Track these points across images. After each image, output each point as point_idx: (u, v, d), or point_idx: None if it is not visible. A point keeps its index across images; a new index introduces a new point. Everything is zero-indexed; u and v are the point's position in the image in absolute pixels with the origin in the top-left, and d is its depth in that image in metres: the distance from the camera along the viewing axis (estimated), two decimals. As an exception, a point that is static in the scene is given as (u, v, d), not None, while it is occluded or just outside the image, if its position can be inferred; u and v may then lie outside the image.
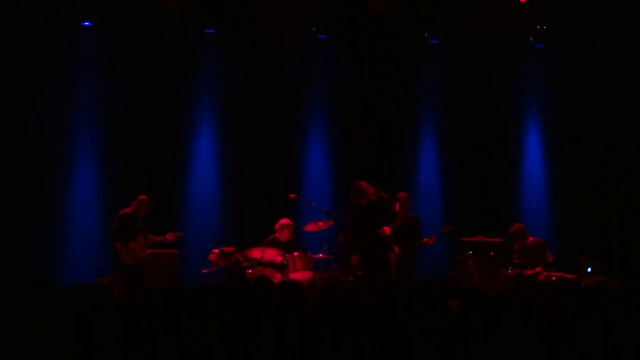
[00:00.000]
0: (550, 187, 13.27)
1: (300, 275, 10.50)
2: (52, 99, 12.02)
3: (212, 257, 10.80)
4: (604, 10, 12.22)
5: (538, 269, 10.62)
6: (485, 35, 12.66)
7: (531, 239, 11.02)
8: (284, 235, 11.15)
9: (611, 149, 12.62)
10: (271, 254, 10.87)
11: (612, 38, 12.38)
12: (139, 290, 9.53)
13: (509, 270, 10.70)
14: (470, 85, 13.03)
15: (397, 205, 10.59)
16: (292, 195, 11.45)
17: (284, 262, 10.72)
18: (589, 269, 10.92)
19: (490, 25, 12.56)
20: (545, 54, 13.23)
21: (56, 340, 4.88)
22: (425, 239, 10.81)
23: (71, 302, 5.23)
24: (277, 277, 10.44)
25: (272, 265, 10.79)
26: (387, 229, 10.06)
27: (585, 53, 12.69)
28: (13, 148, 11.73)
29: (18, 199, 11.61)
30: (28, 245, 11.45)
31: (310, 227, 11.11)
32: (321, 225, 11.02)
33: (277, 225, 11.22)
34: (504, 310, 5.35)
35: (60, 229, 11.99)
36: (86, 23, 12.19)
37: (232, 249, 10.93)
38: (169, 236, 10.89)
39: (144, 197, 10.84)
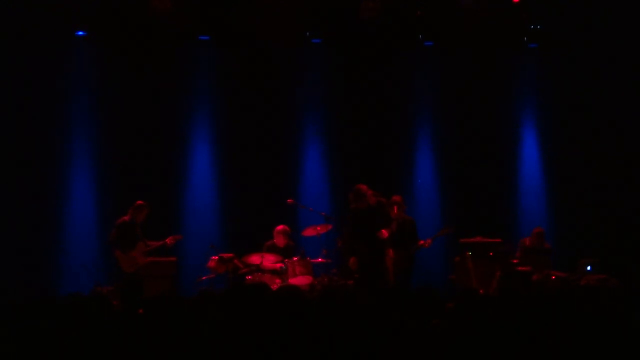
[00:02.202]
0: (548, 186, 13.27)
1: (300, 280, 10.49)
2: (48, 109, 12.02)
3: (211, 264, 10.78)
4: (598, 9, 12.24)
5: (530, 268, 10.71)
6: (479, 36, 12.67)
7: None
8: (280, 241, 11.15)
9: (607, 147, 12.62)
10: (270, 260, 10.87)
11: (606, 36, 12.37)
12: (139, 299, 9.55)
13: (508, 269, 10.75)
14: (465, 86, 13.04)
15: (395, 208, 10.58)
16: (289, 200, 11.46)
17: (283, 267, 10.71)
18: (589, 268, 10.94)
19: (484, 25, 12.58)
20: (539, 53, 13.24)
21: (55, 350, 4.88)
22: (422, 242, 10.80)
23: (70, 311, 5.23)
24: (277, 283, 10.43)
25: (271, 271, 10.79)
26: (384, 232, 10.07)
27: (580, 52, 12.69)
28: (9, 157, 11.71)
29: (15, 208, 11.59)
30: (26, 255, 11.43)
31: (308, 232, 11.11)
32: (319, 229, 11.02)
33: (273, 231, 11.24)
34: (503, 311, 5.35)
35: (58, 238, 11.97)
36: (80, 32, 12.22)
37: (231, 255, 10.92)
38: (169, 240, 10.85)
39: (140, 202, 10.83)
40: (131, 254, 10.54)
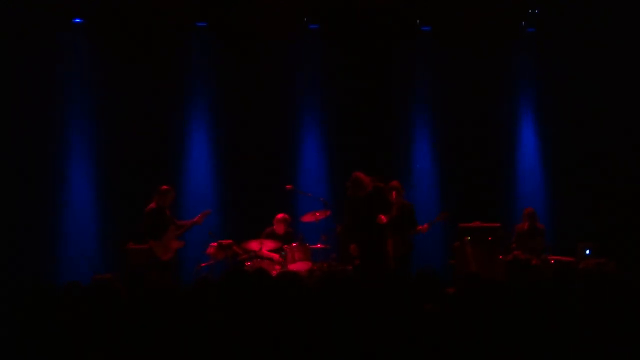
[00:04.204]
0: (546, 170, 13.27)
1: (299, 266, 10.50)
2: (45, 97, 11.97)
3: (210, 250, 10.78)
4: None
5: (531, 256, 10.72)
6: (477, 21, 12.64)
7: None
8: (279, 229, 11.15)
9: (606, 132, 12.59)
10: (269, 246, 10.87)
11: (604, 21, 12.33)
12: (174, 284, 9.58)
13: (507, 256, 10.77)
14: (463, 71, 13.00)
15: (394, 194, 10.57)
16: (288, 187, 11.45)
17: (283, 254, 10.71)
18: (587, 251, 10.96)
19: (482, 9, 12.55)
20: (537, 38, 13.20)
21: (56, 338, 4.88)
22: (420, 227, 10.81)
23: (68, 299, 5.23)
24: (276, 269, 10.44)
25: (270, 258, 10.78)
26: (383, 218, 10.04)
27: (578, 36, 12.65)
28: (7, 147, 11.67)
29: (13, 198, 11.56)
30: (25, 245, 11.40)
31: (307, 218, 11.12)
32: (318, 215, 11.02)
33: (274, 219, 11.24)
34: (502, 296, 5.36)
35: (56, 227, 11.96)
36: (77, 20, 12.18)
37: (230, 241, 10.91)
38: (199, 218, 10.84)
39: (165, 187, 10.82)
40: (164, 240, 10.55)
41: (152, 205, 10.69)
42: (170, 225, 10.67)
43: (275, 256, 10.81)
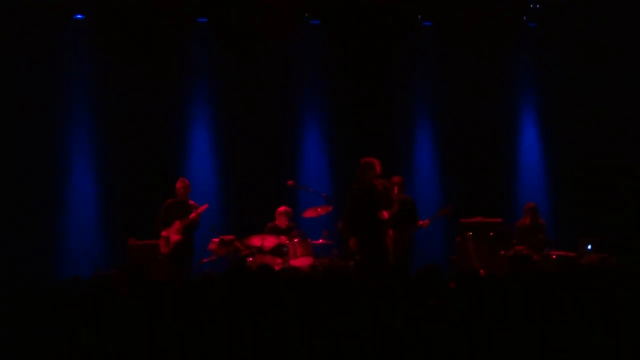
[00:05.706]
0: (547, 166, 13.27)
1: (301, 261, 10.49)
2: (46, 95, 11.99)
3: (212, 246, 10.79)
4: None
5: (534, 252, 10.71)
6: (478, 15, 12.64)
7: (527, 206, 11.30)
8: (281, 222, 11.15)
9: (606, 128, 12.58)
10: (271, 242, 10.87)
11: (605, 19, 12.31)
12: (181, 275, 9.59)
13: (508, 251, 10.77)
14: (464, 66, 12.99)
15: (396, 189, 10.56)
16: (290, 182, 11.45)
17: (284, 249, 10.71)
18: (589, 247, 10.95)
19: (482, 8, 12.56)
20: (538, 33, 13.20)
21: (57, 334, 4.89)
22: (421, 222, 10.81)
23: (69, 294, 5.24)
24: (278, 263, 10.43)
25: (272, 251, 10.77)
26: (385, 213, 10.02)
27: (579, 31, 12.64)
28: (8, 145, 11.68)
29: (14, 196, 11.56)
30: (27, 242, 11.41)
31: (309, 213, 11.12)
32: (320, 211, 11.03)
33: (275, 212, 11.24)
34: (504, 291, 5.36)
35: (58, 224, 11.98)
36: (78, 16, 12.19)
37: (231, 237, 10.92)
38: (194, 215, 10.64)
39: (180, 179, 10.84)
40: (163, 234, 10.54)
41: (168, 200, 10.71)
42: (176, 220, 10.63)
43: (278, 240, 10.79)
